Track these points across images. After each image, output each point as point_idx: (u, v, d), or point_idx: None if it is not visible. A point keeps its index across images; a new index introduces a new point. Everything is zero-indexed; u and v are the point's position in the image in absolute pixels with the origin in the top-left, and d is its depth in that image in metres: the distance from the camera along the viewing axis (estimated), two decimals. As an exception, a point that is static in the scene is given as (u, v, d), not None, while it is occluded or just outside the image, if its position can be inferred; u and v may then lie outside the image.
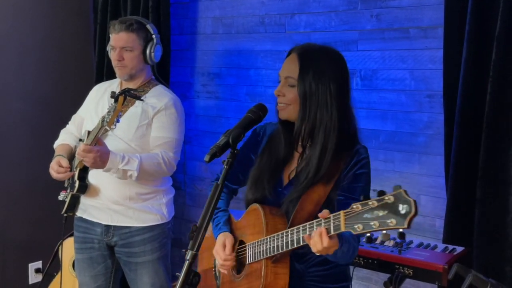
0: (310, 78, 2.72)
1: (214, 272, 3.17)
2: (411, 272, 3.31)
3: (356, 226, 2.20)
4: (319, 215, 2.42)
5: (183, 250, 2.52)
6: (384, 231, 2.15)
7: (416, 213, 2.05)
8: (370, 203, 2.16)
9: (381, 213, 2.12)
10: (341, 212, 2.28)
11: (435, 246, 3.57)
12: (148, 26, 4.15)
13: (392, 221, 2.09)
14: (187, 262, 2.46)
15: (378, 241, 3.63)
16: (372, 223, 2.15)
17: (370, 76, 4.26)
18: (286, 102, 2.78)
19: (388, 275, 3.33)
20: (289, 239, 2.58)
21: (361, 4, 4.25)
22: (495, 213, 3.55)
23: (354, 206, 2.22)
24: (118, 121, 3.46)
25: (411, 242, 3.64)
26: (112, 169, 3.81)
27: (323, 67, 2.75)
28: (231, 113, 5.13)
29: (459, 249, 3.53)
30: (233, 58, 5.07)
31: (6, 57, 5.28)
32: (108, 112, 3.46)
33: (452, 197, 3.73)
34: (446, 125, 3.79)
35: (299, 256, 2.80)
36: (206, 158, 2.54)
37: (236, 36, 5.02)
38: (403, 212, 2.07)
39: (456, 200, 3.72)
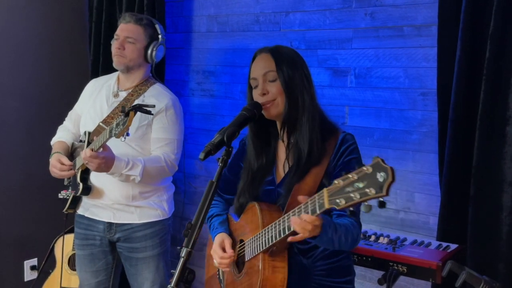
0: (287, 67, 2.83)
1: (218, 276, 3.19)
2: (405, 269, 3.31)
3: (338, 201, 2.22)
4: (299, 198, 2.48)
5: (178, 248, 2.53)
6: (366, 203, 2.15)
7: (393, 180, 2.08)
8: (350, 176, 2.18)
9: (361, 184, 2.15)
10: (324, 189, 2.30)
11: (429, 244, 3.58)
12: (157, 26, 4.19)
13: (371, 190, 2.11)
14: (182, 260, 2.47)
15: (372, 239, 3.64)
16: (353, 195, 2.17)
17: (365, 74, 4.27)
18: (272, 98, 2.83)
19: (382, 272, 3.33)
20: (281, 227, 2.60)
21: (356, 3, 4.26)
22: (488, 210, 3.56)
23: (336, 182, 2.24)
24: (128, 134, 3.45)
25: (405, 239, 3.65)
26: (116, 174, 3.83)
27: (292, 57, 2.90)
28: (226, 111, 5.14)
29: (453, 246, 3.54)
30: (228, 56, 5.08)
31: (1, 56, 5.28)
32: (117, 124, 3.42)
33: (446, 194, 3.74)
34: (440, 123, 3.80)
35: (305, 251, 2.83)
36: (201, 156, 2.56)
37: (231, 34, 5.03)
38: (381, 180, 2.09)
39: (450, 197, 3.73)
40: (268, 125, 2.99)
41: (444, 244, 3.57)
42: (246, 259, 2.88)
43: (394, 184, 4.11)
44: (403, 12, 4.05)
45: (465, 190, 3.65)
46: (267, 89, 2.83)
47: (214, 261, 2.98)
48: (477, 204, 3.59)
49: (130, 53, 4.05)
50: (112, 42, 4.18)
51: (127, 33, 4.04)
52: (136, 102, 3.96)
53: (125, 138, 3.43)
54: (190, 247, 2.48)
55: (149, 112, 3.55)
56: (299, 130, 2.84)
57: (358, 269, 4.21)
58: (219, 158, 2.65)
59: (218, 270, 3.18)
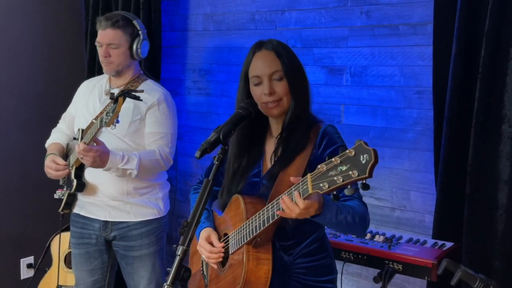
0: (289, 64, 2.83)
1: (202, 272, 3.19)
2: (400, 268, 3.32)
3: (322, 185, 2.23)
4: (291, 179, 2.47)
5: (174, 246, 2.54)
6: (349, 186, 2.16)
7: (376, 161, 2.08)
8: (333, 160, 2.19)
9: (344, 167, 2.15)
10: (308, 174, 2.32)
11: (425, 242, 3.59)
12: (135, 22, 4.13)
13: (354, 172, 2.12)
14: (177, 258, 2.47)
15: (367, 237, 3.65)
16: (336, 179, 2.18)
17: (360, 73, 4.27)
18: (279, 98, 2.81)
19: (378, 270, 3.34)
20: (265, 216, 2.60)
21: (351, 1, 4.27)
22: (484, 208, 3.57)
23: (319, 167, 2.25)
24: (117, 121, 3.47)
25: (400, 237, 3.66)
26: (112, 169, 3.83)
27: (292, 55, 2.89)
28: (222, 109, 5.14)
29: (449, 244, 3.55)
30: (224, 54, 5.08)
31: (-2, 54, 5.30)
32: (107, 113, 3.45)
33: (442, 192, 3.74)
34: (435, 121, 3.80)
35: (286, 248, 2.84)
36: (197, 154, 2.56)
37: (227, 33, 5.03)
38: (364, 162, 2.09)
39: (445, 195, 3.73)
40: (261, 123, 3.00)
41: (440, 242, 3.58)
42: (230, 252, 2.89)
43: (390, 182, 4.13)
44: (399, 11, 4.06)
45: (460, 188, 3.66)
46: (274, 89, 2.80)
47: (203, 256, 2.99)
48: (472, 202, 3.59)
49: (117, 58, 4.05)
50: (96, 44, 4.20)
51: (108, 40, 4.02)
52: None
53: (115, 125, 3.46)
54: (186, 245, 2.48)
55: (137, 98, 3.57)
56: (295, 124, 2.84)
57: (353, 267, 4.24)
58: (215, 157, 2.65)
59: (202, 266, 3.18)
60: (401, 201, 4.16)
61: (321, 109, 4.38)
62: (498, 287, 2.82)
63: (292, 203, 2.43)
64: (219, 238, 3.00)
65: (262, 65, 2.84)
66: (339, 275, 3.09)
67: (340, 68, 4.37)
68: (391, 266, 3.34)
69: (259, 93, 2.84)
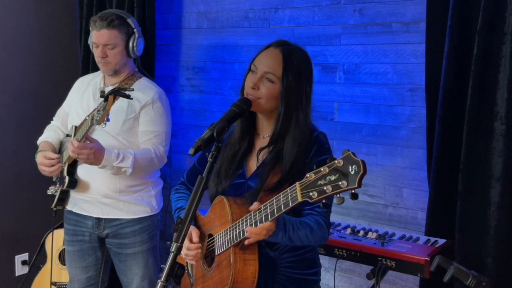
0: (292, 79, 2.80)
1: (186, 270, 3.19)
2: (393, 264, 3.34)
3: (311, 194, 2.26)
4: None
5: (168, 243, 2.55)
6: (338, 195, 2.19)
7: (365, 172, 2.13)
8: (322, 169, 2.23)
9: (333, 177, 2.19)
10: (297, 183, 2.34)
11: (418, 239, 3.61)
12: (129, 20, 4.13)
13: (343, 183, 2.16)
14: (172, 255, 2.48)
15: (361, 234, 3.67)
16: (325, 188, 2.21)
17: (353, 70, 4.28)
18: (258, 96, 2.82)
19: (371, 267, 3.36)
20: (253, 221, 2.61)
21: (345, -1, 4.29)
22: (476, 205, 3.58)
23: (308, 175, 2.28)
24: (108, 120, 3.48)
25: (393, 234, 3.67)
26: (107, 166, 3.84)
27: (301, 69, 2.87)
28: (216, 107, 5.15)
29: (441, 241, 3.56)
30: (218, 52, 5.09)
31: (-9, 52, 5.29)
32: (98, 111, 3.47)
33: (434, 190, 3.76)
34: (428, 118, 3.82)
35: (271, 244, 2.85)
36: (191, 151, 2.56)
37: (221, 31, 5.04)
38: (352, 172, 2.14)
39: (438, 193, 3.75)
40: (253, 120, 3.01)
41: (432, 239, 3.59)
42: (216, 253, 2.89)
43: (382, 179, 4.15)
44: (392, 9, 4.07)
45: (453, 186, 3.67)
46: (258, 86, 2.81)
47: (182, 253, 2.96)
48: (465, 199, 3.61)
49: (114, 58, 4.04)
50: (89, 43, 4.20)
51: (104, 40, 4.00)
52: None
53: (105, 124, 3.48)
54: (180, 242, 2.49)
55: (128, 96, 3.56)
56: (287, 144, 2.83)
57: (347, 264, 4.25)
58: (208, 154, 2.66)
59: (187, 265, 3.18)
60: (394, 198, 4.18)
61: (314, 107, 4.36)
62: (490, 283, 2.85)
63: (259, 229, 2.52)
64: (204, 239, 3.01)
65: (265, 60, 2.85)
66: (332, 272, 3.10)
67: (333, 65, 4.38)
68: (384, 263, 3.35)
69: (248, 81, 2.86)
